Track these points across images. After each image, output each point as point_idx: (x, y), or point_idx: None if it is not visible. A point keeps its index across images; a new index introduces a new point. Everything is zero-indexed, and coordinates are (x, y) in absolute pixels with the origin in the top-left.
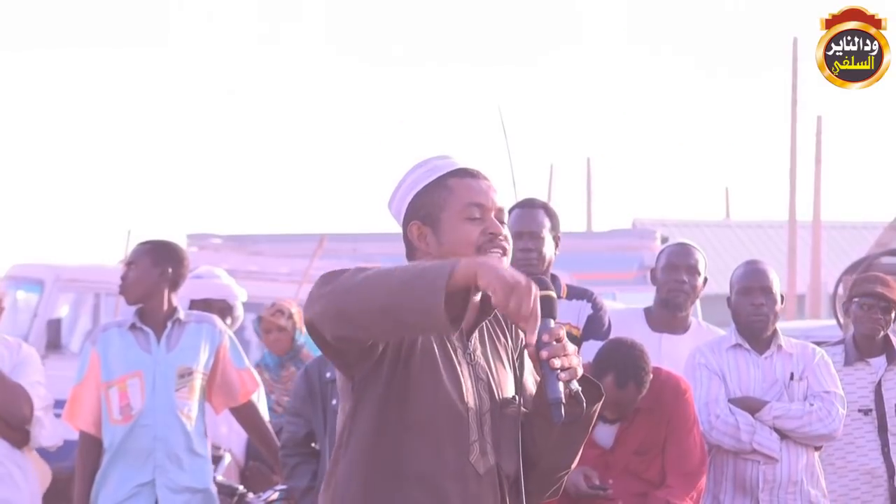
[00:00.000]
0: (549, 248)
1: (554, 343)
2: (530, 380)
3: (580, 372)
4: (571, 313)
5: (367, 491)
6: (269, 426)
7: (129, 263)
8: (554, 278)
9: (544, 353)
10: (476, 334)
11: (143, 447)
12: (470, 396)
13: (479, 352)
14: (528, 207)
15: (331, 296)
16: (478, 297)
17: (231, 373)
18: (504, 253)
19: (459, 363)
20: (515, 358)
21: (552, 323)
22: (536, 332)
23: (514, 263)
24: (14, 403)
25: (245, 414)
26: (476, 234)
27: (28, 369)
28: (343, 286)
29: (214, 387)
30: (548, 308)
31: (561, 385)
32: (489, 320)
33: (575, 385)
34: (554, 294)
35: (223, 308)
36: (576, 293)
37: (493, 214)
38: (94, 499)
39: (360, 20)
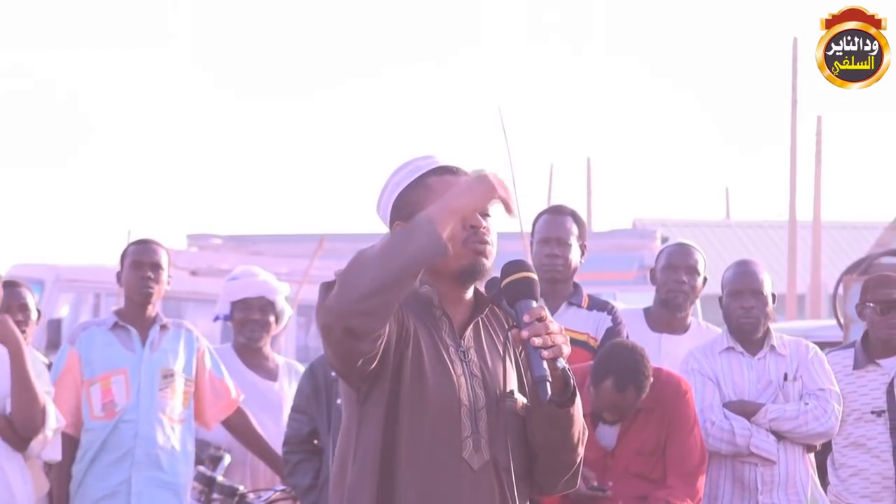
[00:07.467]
0: (575, 256)
1: (535, 322)
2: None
3: (566, 351)
4: (591, 324)
5: (379, 493)
6: (263, 435)
7: (157, 266)
8: (577, 287)
9: (525, 333)
10: (470, 331)
11: (124, 444)
12: (463, 393)
13: (473, 349)
14: (557, 214)
15: (342, 287)
16: (470, 295)
17: (217, 380)
18: (487, 244)
19: (452, 361)
20: (519, 353)
21: (533, 303)
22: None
23: (539, 268)
24: (30, 414)
25: (237, 423)
26: (458, 229)
27: (38, 381)
28: (346, 278)
29: (205, 400)
30: (528, 289)
31: (545, 363)
32: (485, 316)
33: (561, 363)
34: (534, 276)
35: (264, 305)
36: (597, 305)
37: None
38: (73, 495)
39: (360, 20)
